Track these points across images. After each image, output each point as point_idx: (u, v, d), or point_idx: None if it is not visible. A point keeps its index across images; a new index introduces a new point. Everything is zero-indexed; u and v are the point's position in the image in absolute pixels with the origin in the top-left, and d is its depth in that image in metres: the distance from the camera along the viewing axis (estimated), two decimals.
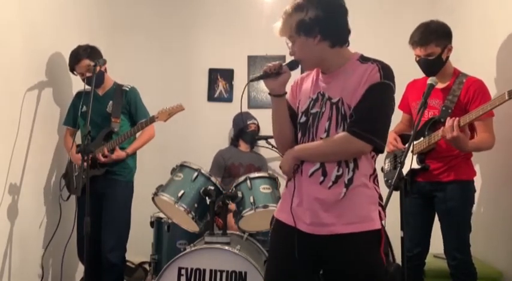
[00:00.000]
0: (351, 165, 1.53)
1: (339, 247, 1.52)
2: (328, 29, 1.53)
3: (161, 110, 2.72)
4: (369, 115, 1.49)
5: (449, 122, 2.13)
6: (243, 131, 3.56)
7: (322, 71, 1.63)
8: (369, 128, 1.49)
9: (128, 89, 2.88)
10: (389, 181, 2.54)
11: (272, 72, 1.59)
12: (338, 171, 1.52)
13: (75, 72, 2.79)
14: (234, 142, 3.64)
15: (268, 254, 1.76)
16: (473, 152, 2.34)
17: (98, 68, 2.60)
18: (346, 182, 1.52)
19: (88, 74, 2.69)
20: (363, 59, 1.57)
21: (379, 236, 1.53)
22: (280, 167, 1.67)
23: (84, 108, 2.76)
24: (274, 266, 1.66)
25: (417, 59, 2.33)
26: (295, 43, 1.58)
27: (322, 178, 1.53)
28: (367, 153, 1.54)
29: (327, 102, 1.56)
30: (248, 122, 3.56)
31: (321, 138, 1.56)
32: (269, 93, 1.64)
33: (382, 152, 1.57)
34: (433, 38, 2.26)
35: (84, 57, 2.73)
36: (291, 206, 1.58)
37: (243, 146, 3.61)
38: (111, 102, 2.81)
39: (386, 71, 1.52)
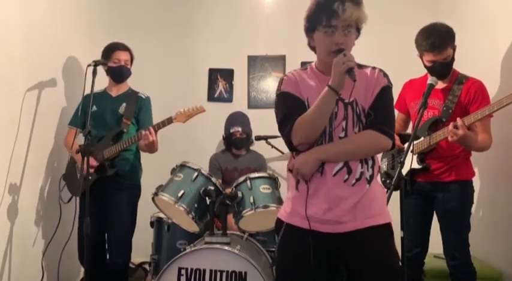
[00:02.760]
0: (370, 162, 1.59)
1: (359, 242, 1.54)
2: (359, 35, 1.63)
3: (179, 112, 2.65)
4: (387, 114, 1.59)
5: (451, 125, 2.14)
6: (229, 139, 3.49)
7: (325, 72, 1.59)
8: (390, 125, 1.58)
9: (143, 96, 2.88)
10: (388, 181, 2.54)
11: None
12: (362, 168, 1.57)
13: (112, 60, 2.78)
14: (226, 145, 3.57)
15: (281, 261, 1.69)
16: (475, 151, 2.34)
17: (129, 65, 2.85)
18: (368, 178, 1.57)
19: (121, 64, 2.79)
20: (359, 66, 1.63)
21: (391, 229, 1.61)
22: (292, 169, 1.60)
23: (95, 108, 2.75)
24: (292, 272, 1.61)
25: (429, 64, 2.31)
26: (349, 35, 1.55)
27: (347, 176, 1.55)
28: (388, 148, 1.62)
29: (338, 102, 1.57)
30: (231, 131, 3.45)
31: (340, 137, 1.57)
32: (334, 91, 1.47)
33: (394, 147, 1.68)
34: (449, 40, 2.28)
35: (129, 51, 2.87)
36: (306, 209, 1.55)
37: (235, 151, 3.53)
38: (124, 104, 2.80)
39: (387, 76, 1.63)
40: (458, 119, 2.14)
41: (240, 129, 3.45)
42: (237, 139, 3.46)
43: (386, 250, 1.58)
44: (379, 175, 1.68)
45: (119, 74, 2.82)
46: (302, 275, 1.58)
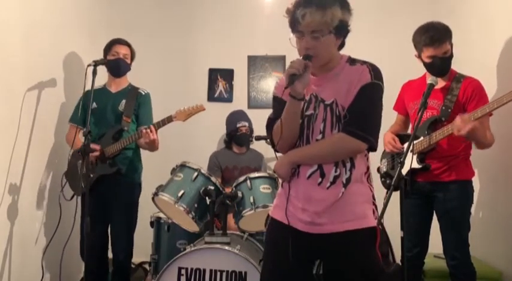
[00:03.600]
0: (348, 164, 1.55)
1: (336, 245, 1.54)
2: (347, 33, 1.59)
3: (179, 110, 2.66)
4: (362, 115, 1.53)
5: (457, 119, 2.10)
6: (234, 135, 3.49)
7: (313, 73, 1.61)
8: (363, 127, 1.52)
9: (143, 93, 2.88)
10: (388, 181, 2.54)
11: (300, 73, 1.47)
12: (336, 171, 1.54)
13: (111, 53, 2.79)
14: (227, 144, 3.58)
15: (264, 253, 1.76)
16: (478, 148, 2.30)
17: (129, 59, 2.84)
18: (344, 181, 1.54)
19: (119, 57, 2.79)
20: (352, 62, 1.60)
21: (374, 233, 1.56)
22: (274, 171, 1.67)
23: (94, 105, 2.74)
24: (270, 264, 1.67)
25: (429, 61, 2.31)
26: (321, 39, 1.51)
27: (320, 179, 1.54)
28: (363, 152, 1.57)
29: (320, 104, 1.57)
30: (238, 125, 3.45)
31: (317, 139, 1.57)
32: (292, 97, 1.51)
33: (375, 150, 1.60)
34: (447, 35, 2.28)
35: (130, 47, 2.88)
36: (286, 208, 1.58)
37: (236, 148, 3.55)
38: (124, 101, 2.80)
39: (376, 72, 1.55)
40: (466, 113, 2.11)
41: (246, 124, 3.49)
42: (242, 135, 3.47)
43: (364, 255, 1.55)
44: (367, 177, 1.61)
45: (116, 67, 2.80)
46: (281, 269, 1.60)
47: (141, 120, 2.82)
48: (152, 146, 2.67)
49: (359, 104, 1.52)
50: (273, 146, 1.65)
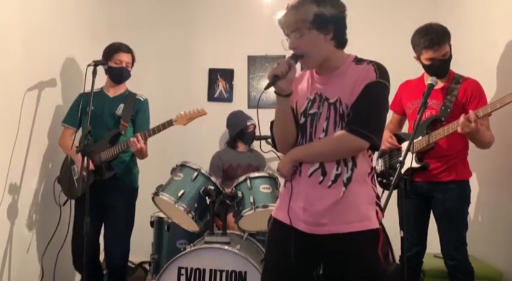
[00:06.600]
0: (350, 164, 1.53)
1: (337, 247, 1.52)
2: (340, 28, 1.56)
3: (180, 114, 2.67)
4: (366, 113, 1.50)
5: (463, 117, 2.09)
6: (243, 133, 3.52)
7: (318, 72, 1.62)
8: (366, 125, 1.49)
9: (142, 99, 2.87)
10: (384, 181, 2.54)
11: (283, 74, 1.49)
12: (337, 170, 1.52)
13: (113, 61, 2.76)
14: (231, 143, 3.59)
15: (266, 253, 1.76)
16: (480, 147, 2.30)
17: (130, 67, 2.83)
18: (345, 181, 1.52)
19: (122, 66, 2.78)
20: (358, 61, 1.58)
21: (376, 235, 1.53)
22: (277, 170, 1.66)
23: (91, 107, 2.72)
24: (271, 265, 1.67)
25: (428, 63, 2.32)
26: (303, 37, 1.52)
27: (321, 178, 1.53)
28: (365, 150, 1.55)
29: (324, 102, 1.56)
30: (248, 123, 3.50)
31: (319, 138, 1.56)
32: (278, 94, 1.54)
33: (378, 149, 1.59)
34: (446, 37, 2.29)
35: (132, 54, 2.86)
36: (288, 207, 1.58)
37: (241, 147, 3.57)
38: (122, 105, 2.79)
39: (382, 71, 1.53)
40: (470, 111, 2.09)
41: (254, 123, 3.52)
42: (251, 132, 3.52)
43: (366, 258, 1.53)
44: (371, 177, 1.60)
45: (118, 75, 2.81)
46: (282, 269, 1.60)
47: (137, 126, 2.80)
48: (140, 154, 2.68)
49: (363, 102, 1.50)
50: (274, 147, 1.68)
